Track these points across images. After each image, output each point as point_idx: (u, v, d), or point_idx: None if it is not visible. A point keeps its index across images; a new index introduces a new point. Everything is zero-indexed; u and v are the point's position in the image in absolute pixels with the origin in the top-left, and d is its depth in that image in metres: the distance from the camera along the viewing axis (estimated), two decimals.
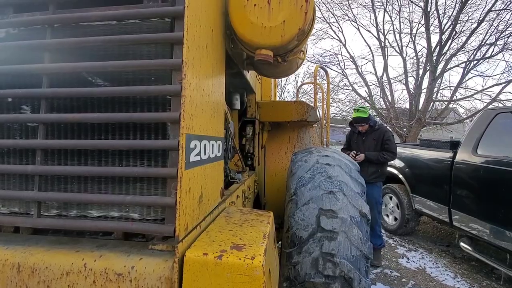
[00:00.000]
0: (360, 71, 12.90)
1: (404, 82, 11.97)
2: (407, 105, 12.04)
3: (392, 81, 12.27)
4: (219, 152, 1.26)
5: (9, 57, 1.03)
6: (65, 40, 0.93)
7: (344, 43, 13.09)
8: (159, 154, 0.97)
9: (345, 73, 13.42)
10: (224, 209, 1.32)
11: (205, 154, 1.05)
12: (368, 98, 12.69)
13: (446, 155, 3.82)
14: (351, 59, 12.97)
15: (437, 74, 10.64)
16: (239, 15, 1.25)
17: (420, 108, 10.88)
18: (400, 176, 4.56)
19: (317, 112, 3.18)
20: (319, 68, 3.80)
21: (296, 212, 1.77)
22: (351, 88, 13.42)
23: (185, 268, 0.78)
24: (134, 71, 0.94)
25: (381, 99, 12.41)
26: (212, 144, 1.15)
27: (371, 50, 12.89)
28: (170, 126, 0.88)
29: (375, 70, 12.77)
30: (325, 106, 3.74)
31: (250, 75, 2.31)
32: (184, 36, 0.86)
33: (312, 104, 3.13)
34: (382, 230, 4.10)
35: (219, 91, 1.28)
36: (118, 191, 0.98)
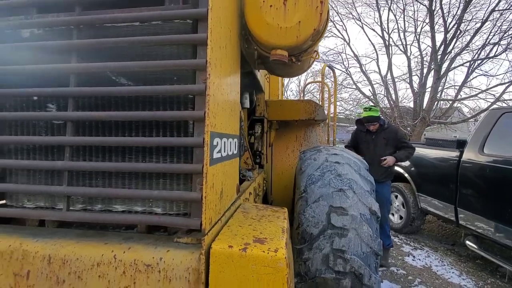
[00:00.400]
0: (364, 69, 12.88)
1: (408, 81, 11.94)
2: (411, 104, 12.01)
3: (396, 80, 12.25)
4: (235, 149, 1.30)
5: (35, 56, 1.07)
6: (94, 41, 0.96)
7: (348, 41, 13.07)
8: (180, 151, 1.01)
9: (349, 71, 13.41)
10: (240, 205, 1.35)
11: (224, 151, 1.09)
12: (372, 97, 12.67)
13: (452, 154, 3.83)
14: (355, 58, 12.95)
15: (441, 73, 10.60)
16: (255, 16, 1.28)
17: (424, 107, 10.85)
18: (406, 175, 4.58)
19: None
20: (326, 67, 3.83)
21: (306, 209, 1.80)
22: (354, 87, 13.40)
23: (212, 259, 0.82)
24: (157, 71, 0.97)
25: (385, 98, 12.39)
26: (230, 142, 1.18)
27: (375, 49, 12.87)
28: (194, 124, 0.91)
29: (379, 68, 12.75)
30: (331, 105, 3.76)
31: (260, 74, 2.34)
32: (208, 37, 0.90)
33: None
34: None
35: (236, 90, 1.32)
36: (141, 186, 1.02)
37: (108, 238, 0.94)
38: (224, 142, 1.08)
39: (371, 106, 3.60)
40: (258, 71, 2.19)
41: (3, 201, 1.16)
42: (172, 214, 1.01)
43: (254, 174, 2.13)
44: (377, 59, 12.88)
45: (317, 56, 1.47)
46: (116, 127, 1.04)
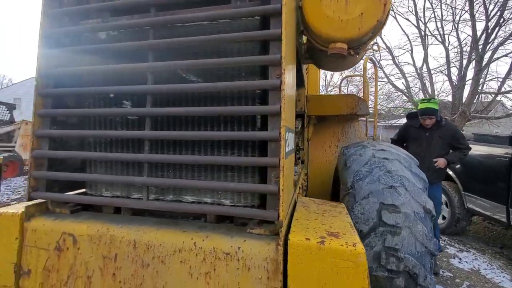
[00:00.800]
0: (397, 62, 12.27)
1: (446, 73, 11.20)
2: (449, 98, 11.28)
3: (432, 72, 11.55)
4: (293, 144, 1.31)
5: (113, 57, 1.15)
6: (173, 40, 1.00)
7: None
8: (248, 144, 1.04)
9: (381, 64, 12.84)
10: (296, 199, 1.37)
11: (289, 146, 1.10)
12: (405, 90, 12.07)
13: (503, 151, 3.57)
14: (387, 50, 12.36)
15: (483, 65, 9.81)
16: (315, 9, 1.27)
17: (464, 101, 10.14)
18: (451, 173, 4.33)
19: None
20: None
21: (355, 206, 1.77)
22: (386, 80, 12.83)
23: (290, 251, 0.83)
24: (229, 67, 1.00)
25: (421, 91, 11.74)
26: (292, 136, 1.20)
27: (409, 40, 12.21)
28: (269, 118, 0.93)
29: (413, 60, 12.09)
30: (369, 99, 3.64)
31: (303, 68, 2.33)
32: (282, 32, 0.91)
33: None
34: None
35: (294, 85, 1.32)
36: (210, 178, 1.06)
37: (185, 227, 0.99)
38: (290, 136, 1.10)
39: (430, 97, 3.35)
40: (303, 65, 2.18)
41: (83, 190, 1.27)
42: (239, 205, 1.04)
43: (298, 169, 2.14)
44: (411, 50, 12.22)
45: (377, 49, 1.43)
46: (186, 122, 1.09)
